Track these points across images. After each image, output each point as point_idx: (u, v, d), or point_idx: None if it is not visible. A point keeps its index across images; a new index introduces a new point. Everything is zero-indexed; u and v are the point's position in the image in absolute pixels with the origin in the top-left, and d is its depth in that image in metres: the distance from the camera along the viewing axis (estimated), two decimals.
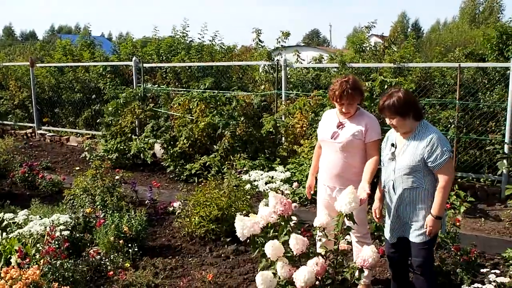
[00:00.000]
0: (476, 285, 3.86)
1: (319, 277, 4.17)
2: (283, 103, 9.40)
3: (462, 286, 4.40)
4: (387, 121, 4.22)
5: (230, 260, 5.85)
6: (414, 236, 4.24)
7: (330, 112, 4.98)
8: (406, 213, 4.25)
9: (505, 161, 7.18)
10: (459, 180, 7.68)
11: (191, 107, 9.71)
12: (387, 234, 4.49)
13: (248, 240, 4.35)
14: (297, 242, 4.07)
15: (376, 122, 4.76)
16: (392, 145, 4.30)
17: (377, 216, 4.55)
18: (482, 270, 4.48)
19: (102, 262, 5.50)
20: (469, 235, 6.34)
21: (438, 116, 8.51)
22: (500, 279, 3.81)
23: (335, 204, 4.23)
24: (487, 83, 8.73)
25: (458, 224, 5.56)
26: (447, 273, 5.10)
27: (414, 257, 4.34)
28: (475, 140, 8.25)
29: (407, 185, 4.18)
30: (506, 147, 7.43)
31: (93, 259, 5.45)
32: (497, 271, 3.99)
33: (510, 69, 7.65)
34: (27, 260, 5.03)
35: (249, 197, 6.66)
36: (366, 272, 4.26)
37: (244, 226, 4.22)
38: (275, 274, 4.14)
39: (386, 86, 8.20)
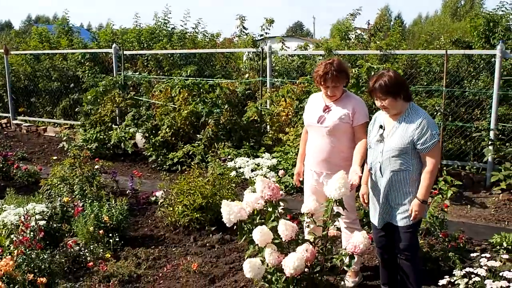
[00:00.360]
0: (467, 269, 3.75)
1: (309, 264, 4.03)
2: (267, 90, 9.23)
3: (453, 271, 4.28)
4: (377, 103, 4.10)
5: (216, 249, 5.69)
6: (399, 220, 4.15)
7: (316, 96, 4.84)
8: (393, 197, 4.15)
9: (490, 147, 7.12)
10: (444, 168, 7.60)
11: (173, 95, 9.50)
12: (373, 219, 4.37)
13: (235, 227, 4.21)
14: (286, 228, 3.92)
15: (363, 104, 4.64)
16: (381, 126, 4.18)
17: (366, 201, 4.43)
18: (472, 255, 4.38)
19: (81, 253, 5.31)
20: (456, 222, 6.27)
21: (424, 103, 8.42)
22: (491, 263, 3.71)
23: (324, 189, 4.09)
24: (472, 71, 8.67)
25: (446, 209, 5.48)
26: (436, 259, 5.02)
27: (399, 242, 4.23)
28: (461, 128, 8.18)
29: (395, 167, 4.07)
30: (491, 133, 7.37)
31: (72, 249, 5.25)
32: (487, 255, 3.89)
33: (496, 56, 7.56)
34: (0, 251, 4.83)
35: (234, 185, 6.49)
36: (355, 259, 4.13)
37: (231, 211, 4.07)
38: (263, 261, 4.00)
39: (372, 73, 8.10)
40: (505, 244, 5.24)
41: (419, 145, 3.96)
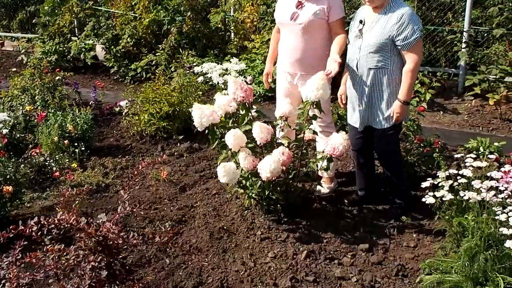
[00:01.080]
0: (451, 170, 3.64)
1: (284, 168, 3.89)
2: None
3: (429, 176, 4.19)
4: None
5: (184, 158, 5.52)
6: (379, 122, 3.98)
7: None
8: (371, 97, 3.95)
9: (464, 50, 6.95)
10: None
11: (133, 3, 9.01)
12: (351, 120, 4.19)
13: (206, 132, 4.03)
14: (261, 131, 3.75)
15: None
16: (360, 21, 3.92)
17: (343, 102, 4.24)
18: (456, 156, 4.29)
19: (47, 163, 5.11)
20: (429, 128, 6.18)
21: None
22: (477, 163, 3.59)
23: (301, 90, 3.89)
24: None
25: (422, 113, 5.36)
26: (412, 165, 4.92)
27: (380, 145, 4.10)
28: (432, 32, 7.97)
29: (372, 64, 3.85)
30: (465, 35, 7.18)
31: (37, 160, 5.03)
32: (473, 156, 3.78)
33: None
34: None
35: (201, 93, 6.24)
36: (333, 162, 4.00)
37: (203, 114, 3.86)
38: (237, 166, 3.85)
39: None
40: (481, 149, 5.15)
41: (399, 41, 3.73)
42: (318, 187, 4.52)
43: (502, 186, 3.34)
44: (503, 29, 6.68)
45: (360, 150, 4.29)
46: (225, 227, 4.11)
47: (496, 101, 6.46)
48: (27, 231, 2.57)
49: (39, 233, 2.57)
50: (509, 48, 6.71)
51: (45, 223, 2.55)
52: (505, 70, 6.47)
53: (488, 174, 3.40)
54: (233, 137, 3.76)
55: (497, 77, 6.54)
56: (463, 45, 7.08)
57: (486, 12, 7.43)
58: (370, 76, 3.91)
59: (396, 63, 3.86)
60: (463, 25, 7.34)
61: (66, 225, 2.55)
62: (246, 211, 4.30)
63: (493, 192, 3.29)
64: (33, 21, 10.93)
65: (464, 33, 7.19)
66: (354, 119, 4.15)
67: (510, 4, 7.37)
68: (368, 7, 3.93)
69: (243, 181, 4.06)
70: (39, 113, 5.88)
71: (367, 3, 3.85)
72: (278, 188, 4.08)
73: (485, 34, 7.53)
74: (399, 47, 3.78)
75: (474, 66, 7.24)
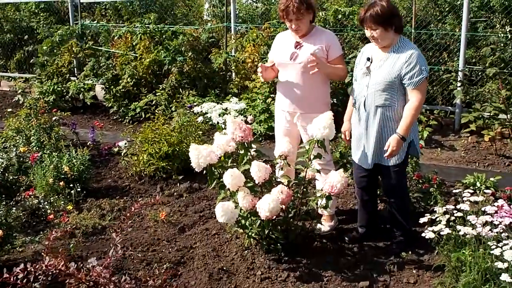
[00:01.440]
0: (448, 206, 3.67)
1: (284, 207, 3.89)
2: (232, 37, 8.90)
3: (427, 211, 4.21)
4: (367, 33, 3.89)
5: (184, 198, 5.49)
6: (387, 160, 4.00)
7: (284, 34, 4.60)
8: (377, 134, 3.99)
9: (460, 89, 7.04)
10: None
11: (134, 43, 9.11)
12: (355, 157, 4.22)
13: (204, 172, 4.02)
14: (259, 169, 3.75)
15: (335, 37, 4.45)
16: (368, 59, 3.98)
17: (347, 138, 4.27)
18: (454, 191, 4.30)
19: (41, 205, 5.01)
20: (428, 164, 6.20)
21: None
22: (474, 198, 3.63)
23: (308, 127, 3.92)
24: (438, 15, 8.53)
25: (420, 149, 5.38)
26: (411, 201, 4.91)
27: (388, 181, 4.11)
28: (429, 72, 8.07)
29: (380, 102, 3.90)
30: (460, 74, 7.28)
31: (30, 202, 4.94)
32: (470, 191, 3.81)
33: None
34: None
35: (201, 132, 6.26)
36: (332, 200, 4.00)
37: (200, 155, 3.87)
38: (236, 206, 3.84)
39: (340, 16, 7.90)
40: (478, 184, 5.20)
41: (406, 79, 3.80)
42: (319, 226, 4.50)
43: (497, 220, 3.38)
44: (496, 68, 6.79)
45: (365, 188, 4.31)
46: (224, 268, 4.07)
47: (491, 138, 6.53)
48: (12, 279, 2.48)
49: (24, 281, 2.48)
50: (502, 87, 6.79)
51: (32, 269, 2.47)
52: (498, 107, 6.56)
53: (483, 209, 3.43)
54: (231, 177, 3.76)
55: (492, 114, 6.63)
56: (458, 84, 7.19)
57: (479, 52, 7.56)
58: (378, 114, 3.95)
59: (403, 101, 3.91)
60: (458, 64, 7.46)
61: (54, 271, 2.48)
62: (246, 251, 4.27)
63: (488, 227, 3.31)
64: (31, 61, 11.01)
65: (459, 72, 7.31)
66: (359, 157, 4.17)
67: (502, 45, 7.51)
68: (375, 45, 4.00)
69: (242, 221, 4.04)
70: (34, 154, 5.85)
71: (375, 43, 3.92)
72: (278, 227, 4.07)
73: (479, 73, 7.64)
74: (405, 85, 3.84)
75: (470, 104, 7.32)
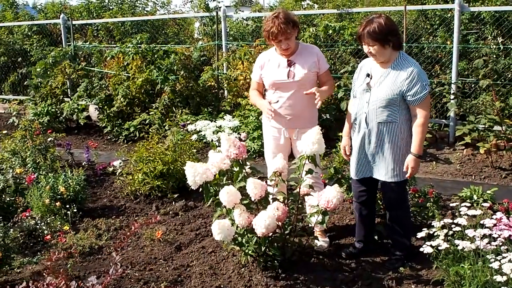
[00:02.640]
0: (446, 220, 3.66)
1: (280, 224, 3.87)
2: (224, 54, 8.94)
3: (424, 226, 4.21)
4: (365, 48, 3.89)
5: (179, 216, 5.46)
6: (387, 175, 4.01)
7: (268, 54, 4.57)
8: (378, 150, 3.99)
9: (453, 101, 7.06)
10: None
11: (126, 63, 9.15)
12: (355, 172, 4.21)
13: (200, 190, 4.00)
14: (255, 186, 3.74)
15: (319, 50, 4.53)
16: (368, 75, 3.98)
17: (347, 154, 4.27)
18: (451, 205, 4.30)
19: (38, 226, 4.98)
20: (423, 178, 6.21)
21: None
22: (472, 212, 3.62)
23: (298, 144, 3.93)
24: (429, 28, 8.60)
25: None
26: None
27: (389, 196, 4.11)
28: None
29: (381, 119, 3.90)
30: (453, 87, 7.31)
31: (27, 223, 4.93)
32: (467, 204, 3.81)
33: (454, 10, 7.45)
34: None
35: (195, 150, 6.26)
36: (328, 215, 3.98)
37: (196, 172, 3.85)
38: (232, 223, 3.82)
39: (330, 31, 7.95)
40: (475, 197, 5.20)
41: (409, 96, 3.80)
42: (316, 242, 4.48)
43: (495, 233, 3.38)
44: (489, 80, 6.82)
45: (363, 202, 4.30)
46: (222, 286, 4.03)
47: (486, 150, 6.53)
48: None
49: None
50: (496, 98, 6.82)
51: None
52: (493, 119, 6.56)
53: (482, 222, 3.42)
54: (227, 194, 3.75)
55: (486, 126, 6.62)
56: (452, 97, 7.21)
57: (472, 64, 7.60)
58: (379, 130, 3.95)
59: (404, 116, 3.92)
60: (451, 77, 7.50)
61: None
62: (243, 269, 4.24)
63: (486, 240, 3.30)
64: (25, 83, 11.03)
65: (452, 85, 7.35)
66: (359, 171, 4.17)
67: (494, 56, 7.56)
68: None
69: (239, 238, 4.02)
70: (30, 175, 5.84)
71: (373, 59, 3.94)
72: (275, 244, 4.05)
73: (472, 85, 7.68)
74: (408, 102, 3.84)
75: (464, 116, 7.35)
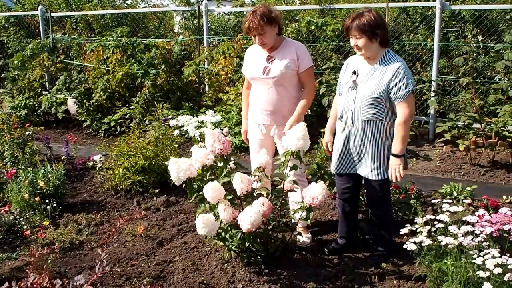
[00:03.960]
0: (428, 216, 3.68)
1: (265, 219, 3.86)
2: (205, 49, 8.88)
3: (406, 222, 4.24)
4: (352, 41, 3.87)
5: (161, 212, 5.42)
6: (370, 173, 4.01)
7: (255, 47, 4.55)
8: (364, 148, 3.99)
9: (434, 98, 7.12)
10: None
11: (106, 56, 9.04)
12: (338, 168, 4.21)
13: (183, 185, 3.97)
14: (242, 181, 3.73)
15: (305, 48, 4.44)
16: (354, 72, 3.97)
17: (330, 150, 4.27)
18: (433, 201, 4.33)
19: (17, 221, 4.91)
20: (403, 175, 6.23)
21: None
22: (454, 208, 3.66)
23: (282, 140, 3.92)
24: (410, 26, 8.65)
25: None
26: None
27: (372, 193, 4.12)
28: None
29: (367, 117, 3.89)
30: (434, 84, 7.37)
31: (6, 218, 4.85)
32: (449, 201, 3.84)
33: (436, 8, 7.50)
34: None
35: (176, 145, 6.22)
36: (313, 212, 3.98)
37: (180, 169, 3.82)
38: (216, 218, 3.80)
39: (312, 27, 7.94)
40: (455, 194, 5.26)
41: (393, 93, 3.78)
42: (299, 237, 4.48)
43: (478, 230, 3.41)
44: (469, 78, 6.88)
45: (347, 199, 4.30)
46: (205, 282, 4.02)
47: (466, 147, 6.58)
48: None
49: None
50: (475, 96, 6.89)
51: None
52: (472, 117, 6.62)
53: (464, 219, 3.46)
54: (212, 190, 3.72)
55: (466, 123, 6.68)
56: (432, 94, 7.28)
57: (452, 62, 7.66)
58: (365, 128, 3.94)
59: (390, 114, 3.91)
60: (431, 74, 7.55)
61: None
62: (226, 264, 4.23)
63: (470, 237, 3.33)
64: (2, 75, 10.85)
65: (433, 82, 7.41)
66: (341, 166, 4.17)
67: (474, 54, 7.63)
68: (360, 57, 4.00)
69: (223, 233, 4.00)
70: (8, 169, 5.75)
71: (359, 53, 3.93)
72: (258, 240, 4.04)
73: (452, 83, 7.74)
74: (392, 99, 3.83)
75: (444, 113, 7.40)
